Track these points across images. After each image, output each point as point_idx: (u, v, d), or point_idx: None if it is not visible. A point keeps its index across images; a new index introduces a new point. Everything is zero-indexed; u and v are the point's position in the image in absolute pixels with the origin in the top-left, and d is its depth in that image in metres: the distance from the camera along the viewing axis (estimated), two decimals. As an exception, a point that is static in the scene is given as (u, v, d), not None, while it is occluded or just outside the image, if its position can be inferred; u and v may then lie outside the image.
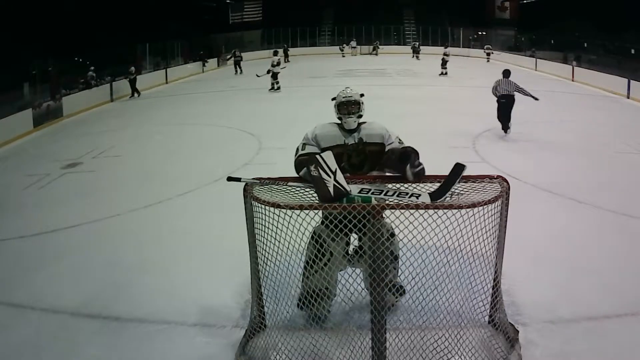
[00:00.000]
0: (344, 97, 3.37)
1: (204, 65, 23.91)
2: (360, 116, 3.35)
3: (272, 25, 32.63)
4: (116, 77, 16.67)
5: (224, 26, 32.24)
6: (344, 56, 29.66)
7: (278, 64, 15.49)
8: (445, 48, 21.46)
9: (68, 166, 8.06)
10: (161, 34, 22.45)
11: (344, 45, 30.86)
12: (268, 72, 15.15)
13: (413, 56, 27.80)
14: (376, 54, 30.59)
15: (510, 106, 8.95)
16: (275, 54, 16.95)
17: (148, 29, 21.80)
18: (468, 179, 2.92)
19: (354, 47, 30.96)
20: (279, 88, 15.33)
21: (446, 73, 19.73)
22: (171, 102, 14.94)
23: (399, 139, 3.27)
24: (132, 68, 16.17)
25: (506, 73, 9.14)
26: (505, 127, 9.04)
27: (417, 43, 29.38)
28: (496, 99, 9.04)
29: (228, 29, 32.20)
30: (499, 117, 9.09)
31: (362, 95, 3.44)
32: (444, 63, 20.03)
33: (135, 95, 16.08)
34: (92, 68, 15.55)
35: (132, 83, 16.10)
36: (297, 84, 17.45)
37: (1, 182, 7.54)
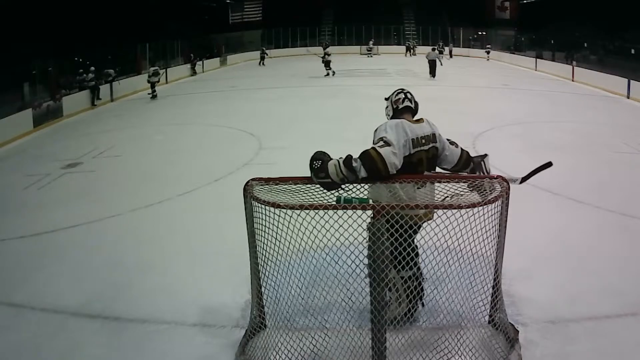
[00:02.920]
0: None
1: (193, 68, 22.60)
2: (387, 114, 3.47)
3: (272, 25, 32.60)
4: (116, 77, 16.60)
5: (224, 26, 32.17)
6: (370, 56, 29.10)
7: (155, 74, 16.08)
8: (326, 47, 20.85)
9: (68, 166, 8.06)
10: (161, 34, 22.42)
11: (371, 44, 30.37)
12: (149, 81, 16.10)
13: (407, 54, 29.19)
14: (414, 54, 29.73)
15: (435, 64, 18.00)
16: (153, 65, 18.17)
17: (148, 29, 21.76)
18: (468, 179, 2.92)
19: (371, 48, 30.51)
20: (155, 96, 15.70)
21: (330, 74, 18.84)
22: (171, 102, 14.93)
23: (382, 140, 2.84)
24: (111, 71, 15.94)
25: (433, 49, 19.87)
26: (433, 75, 18.01)
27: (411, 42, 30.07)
28: (428, 60, 18.19)
29: (228, 29, 32.17)
30: (430, 70, 18.09)
31: (386, 98, 3.55)
32: (326, 64, 18.91)
33: (96, 102, 14.87)
34: (92, 69, 15.44)
35: (111, 86, 15.73)
36: (297, 84, 17.47)
37: (1, 182, 7.53)
